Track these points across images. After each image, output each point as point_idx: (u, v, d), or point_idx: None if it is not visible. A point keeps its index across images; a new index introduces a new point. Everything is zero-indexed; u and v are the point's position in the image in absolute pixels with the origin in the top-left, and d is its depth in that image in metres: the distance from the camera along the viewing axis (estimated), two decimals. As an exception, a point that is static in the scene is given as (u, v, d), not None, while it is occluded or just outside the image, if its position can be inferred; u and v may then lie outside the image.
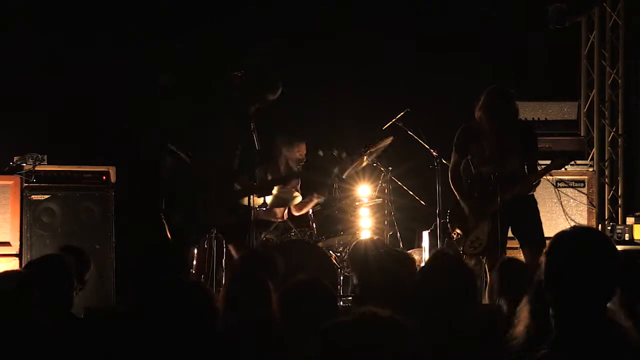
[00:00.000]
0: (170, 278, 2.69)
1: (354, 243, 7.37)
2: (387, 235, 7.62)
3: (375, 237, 7.22)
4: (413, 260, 4.22)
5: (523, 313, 2.88)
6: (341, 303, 6.99)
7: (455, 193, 6.48)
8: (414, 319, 2.05)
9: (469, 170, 6.41)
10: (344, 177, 7.80)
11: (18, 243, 7.42)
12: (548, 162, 6.64)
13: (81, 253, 4.95)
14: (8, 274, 3.34)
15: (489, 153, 6.29)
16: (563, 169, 7.95)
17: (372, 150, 7.63)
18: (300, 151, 8.09)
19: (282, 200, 7.64)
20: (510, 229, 6.48)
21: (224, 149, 6.24)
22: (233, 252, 6.37)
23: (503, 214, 6.18)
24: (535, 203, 6.46)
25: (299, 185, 8.20)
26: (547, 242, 2.64)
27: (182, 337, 2.46)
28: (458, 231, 6.45)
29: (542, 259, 2.59)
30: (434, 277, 3.36)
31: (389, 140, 7.62)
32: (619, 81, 8.98)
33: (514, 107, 6.37)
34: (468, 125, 6.45)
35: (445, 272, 3.35)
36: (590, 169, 8.27)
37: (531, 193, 6.45)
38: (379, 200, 7.72)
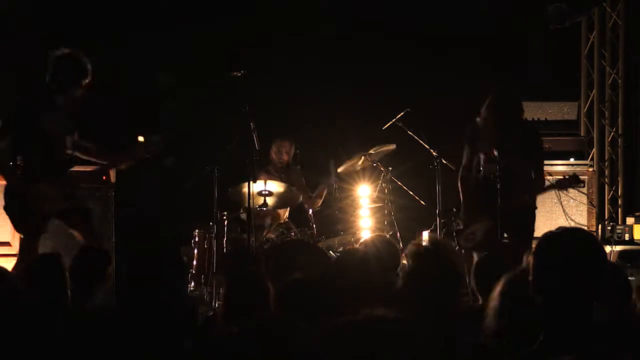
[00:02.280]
0: (156, 283, 2.66)
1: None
2: (387, 235, 7.62)
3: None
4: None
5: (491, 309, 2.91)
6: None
7: (460, 190, 6.47)
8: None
9: (477, 167, 6.43)
10: (339, 171, 7.81)
11: (18, 243, 7.42)
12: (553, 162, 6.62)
13: (100, 250, 4.98)
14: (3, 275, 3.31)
15: (490, 152, 6.29)
16: (564, 167, 7.98)
17: (373, 153, 7.64)
18: (277, 150, 8.06)
19: (284, 201, 7.64)
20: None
21: (50, 141, 6.22)
22: (79, 237, 6.24)
23: (501, 214, 6.18)
24: (531, 209, 6.45)
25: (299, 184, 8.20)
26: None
27: (164, 338, 2.43)
28: (458, 222, 6.50)
29: (530, 259, 2.59)
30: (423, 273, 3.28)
31: (391, 147, 7.63)
32: (619, 81, 8.98)
33: (519, 108, 6.38)
34: (474, 124, 6.46)
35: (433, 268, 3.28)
36: (590, 169, 8.27)
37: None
38: (379, 205, 7.72)
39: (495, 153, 6.23)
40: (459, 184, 6.48)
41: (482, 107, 6.32)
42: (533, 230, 6.37)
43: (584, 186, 8.06)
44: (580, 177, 6.43)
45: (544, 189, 6.47)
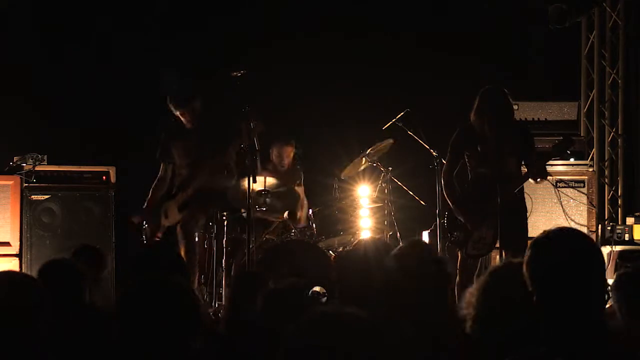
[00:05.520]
0: (152, 276, 2.64)
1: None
2: (387, 235, 7.62)
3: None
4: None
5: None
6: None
7: (447, 198, 6.47)
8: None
9: (465, 173, 6.43)
10: (342, 177, 7.80)
11: (18, 243, 7.43)
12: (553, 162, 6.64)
13: (95, 254, 4.93)
14: (16, 279, 3.29)
15: (485, 155, 6.28)
16: (563, 167, 7.98)
17: (372, 152, 7.63)
18: (278, 154, 8.03)
19: (285, 201, 7.62)
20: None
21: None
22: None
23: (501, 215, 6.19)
24: (525, 211, 6.45)
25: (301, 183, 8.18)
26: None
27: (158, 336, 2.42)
28: (456, 233, 6.46)
29: (525, 257, 2.57)
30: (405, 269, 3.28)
31: (389, 143, 7.61)
32: (619, 81, 8.97)
33: (509, 106, 6.37)
34: (465, 127, 6.44)
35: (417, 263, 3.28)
36: (590, 169, 8.27)
37: (523, 195, 6.45)
38: (379, 205, 7.72)
39: (491, 155, 6.23)
40: (445, 189, 6.46)
41: (471, 110, 6.33)
42: (527, 227, 6.40)
43: (584, 186, 8.06)
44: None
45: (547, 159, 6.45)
